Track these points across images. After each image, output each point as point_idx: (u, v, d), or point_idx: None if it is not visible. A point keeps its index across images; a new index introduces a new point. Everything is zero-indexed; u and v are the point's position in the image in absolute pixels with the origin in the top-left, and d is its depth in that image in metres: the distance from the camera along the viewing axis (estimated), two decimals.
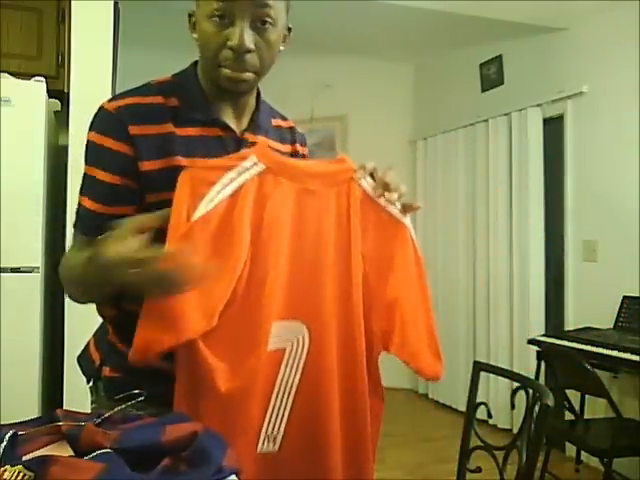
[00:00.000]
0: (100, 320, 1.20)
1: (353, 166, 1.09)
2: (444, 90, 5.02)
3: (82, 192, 1.11)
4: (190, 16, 1.10)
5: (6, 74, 2.57)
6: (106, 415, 0.87)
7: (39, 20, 2.92)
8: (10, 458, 0.73)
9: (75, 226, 1.13)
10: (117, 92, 1.18)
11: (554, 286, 3.95)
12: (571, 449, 3.49)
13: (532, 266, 3.93)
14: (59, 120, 3.10)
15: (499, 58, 4.40)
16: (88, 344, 1.24)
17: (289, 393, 1.02)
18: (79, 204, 1.11)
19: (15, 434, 0.78)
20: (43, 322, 2.59)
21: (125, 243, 0.90)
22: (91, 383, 1.19)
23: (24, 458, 0.74)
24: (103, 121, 1.08)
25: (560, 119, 3.90)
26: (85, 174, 1.10)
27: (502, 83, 4.40)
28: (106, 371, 1.14)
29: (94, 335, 1.23)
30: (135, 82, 1.14)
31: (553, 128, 3.94)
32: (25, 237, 2.53)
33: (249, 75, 1.07)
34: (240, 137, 1.14)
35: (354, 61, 5.05)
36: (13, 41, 2.88)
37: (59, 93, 2.89)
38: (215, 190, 0.99)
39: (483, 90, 4.58)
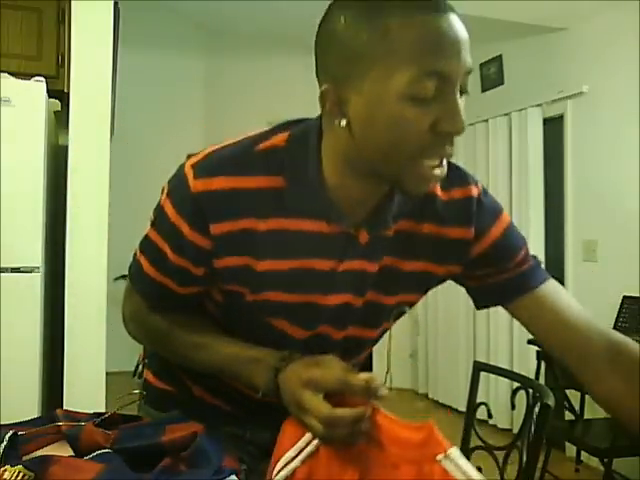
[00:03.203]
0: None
1: (442, 441, 0.75)
2: None
3: (144, 252, 0.95)
4: (324, 94, 0.79)
5: (6, 74, 2.57)
6: (106, 415, 0.87)
7: (39, 20, 2.92)
8: (10, 458, 0.73)
9: (132, 280, 0.99)
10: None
11: None
12: (571, 449, 3.49)
13: None
14: (59, 120, 3.10)
15: (499, 58, 4.40)
16: None
17: None
18: (137, 260, 0.96)
19: (15, 434, 0.78)
20: (43, 322, 2.59)
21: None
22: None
23: (24, 458, 0.74)
24: (183, 198, 0.85)
25: (560, 119, 3.90)
26: (151, 238, 0.92)
27: (502, 83, 4.40)
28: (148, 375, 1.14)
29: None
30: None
31: (553, 128, 3.94)
32: (25, 237, 2.53)
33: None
34: (353, 234, 0.87)
35: None
36: (13, 41, 2.88)
37: (59, 93, 2.89)
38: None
39: (483, 90, 4.58)
